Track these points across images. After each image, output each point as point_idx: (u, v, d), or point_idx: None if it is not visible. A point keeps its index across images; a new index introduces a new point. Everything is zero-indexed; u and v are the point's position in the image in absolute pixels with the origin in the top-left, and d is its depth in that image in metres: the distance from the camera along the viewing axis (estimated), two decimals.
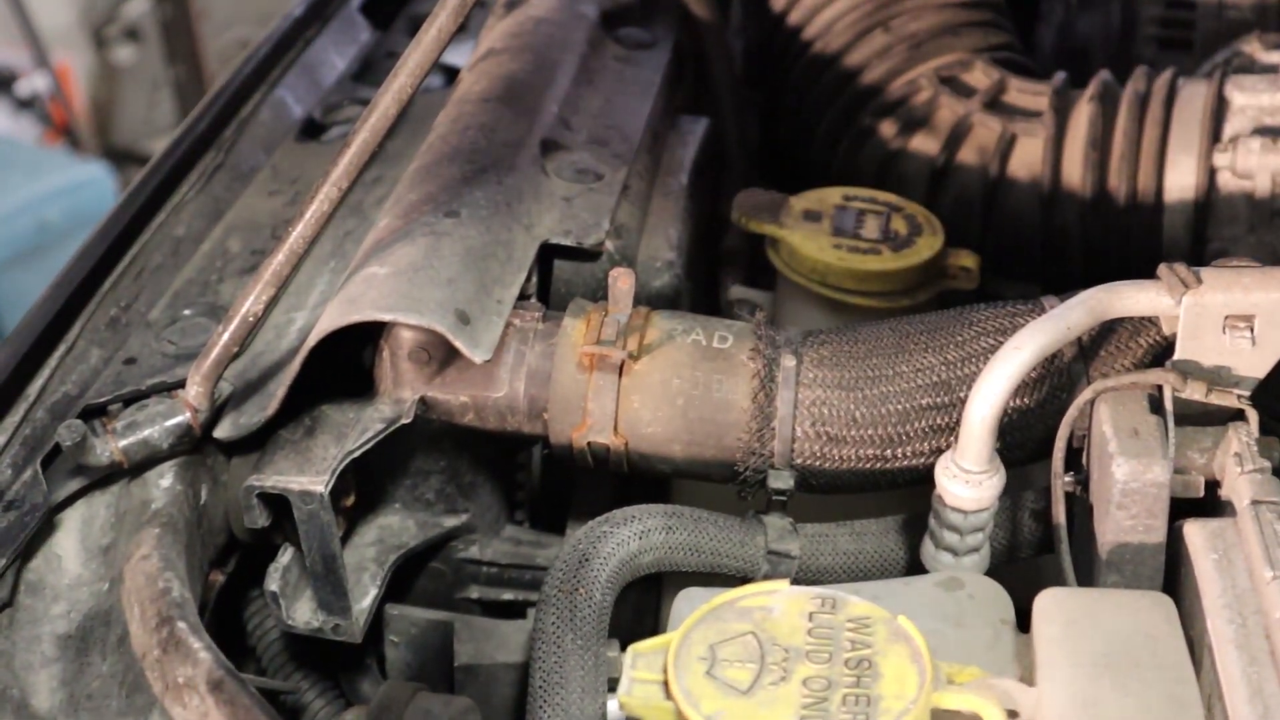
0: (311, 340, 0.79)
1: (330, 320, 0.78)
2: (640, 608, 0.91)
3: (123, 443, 0.79)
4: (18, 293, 3.28)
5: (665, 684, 0.65)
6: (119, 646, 0.74)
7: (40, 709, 0.71)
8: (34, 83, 3.98)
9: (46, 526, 0.79)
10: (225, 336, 0.78)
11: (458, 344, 0.77)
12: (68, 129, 4.02)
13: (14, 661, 0.73)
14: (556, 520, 0.95)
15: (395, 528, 0.88)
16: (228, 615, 0.89)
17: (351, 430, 0.80)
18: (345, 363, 0.87)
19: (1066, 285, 0.85)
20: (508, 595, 0.92)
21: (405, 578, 0.91)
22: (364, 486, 0.86)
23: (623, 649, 0.71)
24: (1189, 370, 0.72)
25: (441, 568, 0.92)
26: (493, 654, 0.87)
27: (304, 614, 0.82)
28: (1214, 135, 1.00)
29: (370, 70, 1.21)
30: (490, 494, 0.92)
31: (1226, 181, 0.99)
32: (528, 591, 0.92)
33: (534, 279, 0.87)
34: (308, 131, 1.11)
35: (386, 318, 0.77)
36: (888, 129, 1.09)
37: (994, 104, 1.08)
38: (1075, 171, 1.03)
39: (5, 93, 3.95)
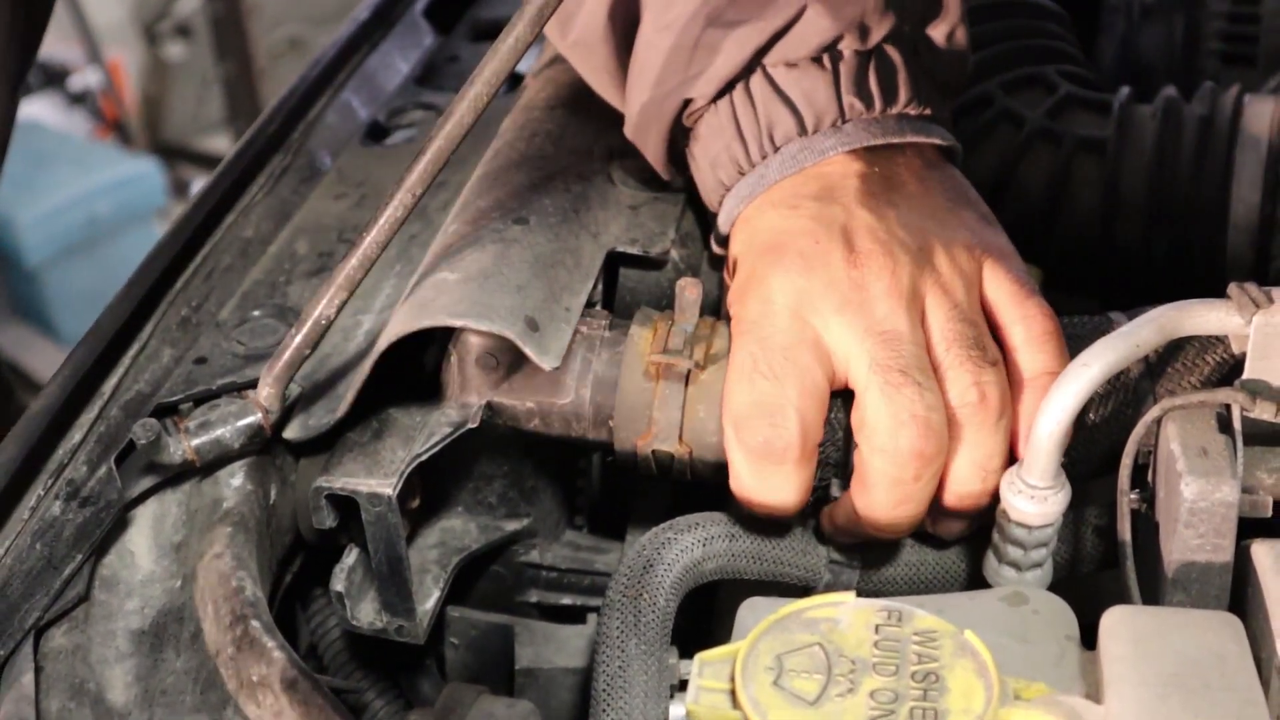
0: (382, 344, 0.80)
1: (401, 325, 0.79)
2: (696, 615, 0.92)
3: (195, 442, 0.80)
4: (67, 286, 3.33)
5: (732, 693, 0.66)
6: (192, 643, 0.75)
7: (116, 703, 0.73)
8: (86, 78, 4.03)
9: (119, 523, 0.80)
10: (298, 339, 0.80)
11: (528, 351, 0.78)
12: (119, 124, 4.07)
13: (90, 655, 0.75)
14: (615, 526, 0.95)
15: (458, 531, 0.89)
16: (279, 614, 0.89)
17: (419, 434, 0.81)
18: (408, 365, 0.87)
19: (1127, 301, 0.86)
20: (567, 600, 0.93)
21: (465, 581, 0.92)
22: (428, 489, 0.87)
23: (680, 656, 0.72)
24: (1258, 390, 0.71)
25: (502, 571, 0.93)
26: (552, 658, 0.88)
27: (368, 614, 0.83)
28: None
29: (433, 74, 1.22)
30: (551, 499, 0.93)
31: None
32: (587, 596, 0.92)
33: (600, 287, 0.88)
34: (372, 135, 1.13)
35: (458, 323, 0.78)
36: None
37: (1057, 117, 1.08)
38: (1138, 187, 1.03)
39: (58, 88, 4.00)
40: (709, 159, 0.85)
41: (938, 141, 0.85)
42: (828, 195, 0.81)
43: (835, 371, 0.77)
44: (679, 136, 0.88)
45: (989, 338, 0.77)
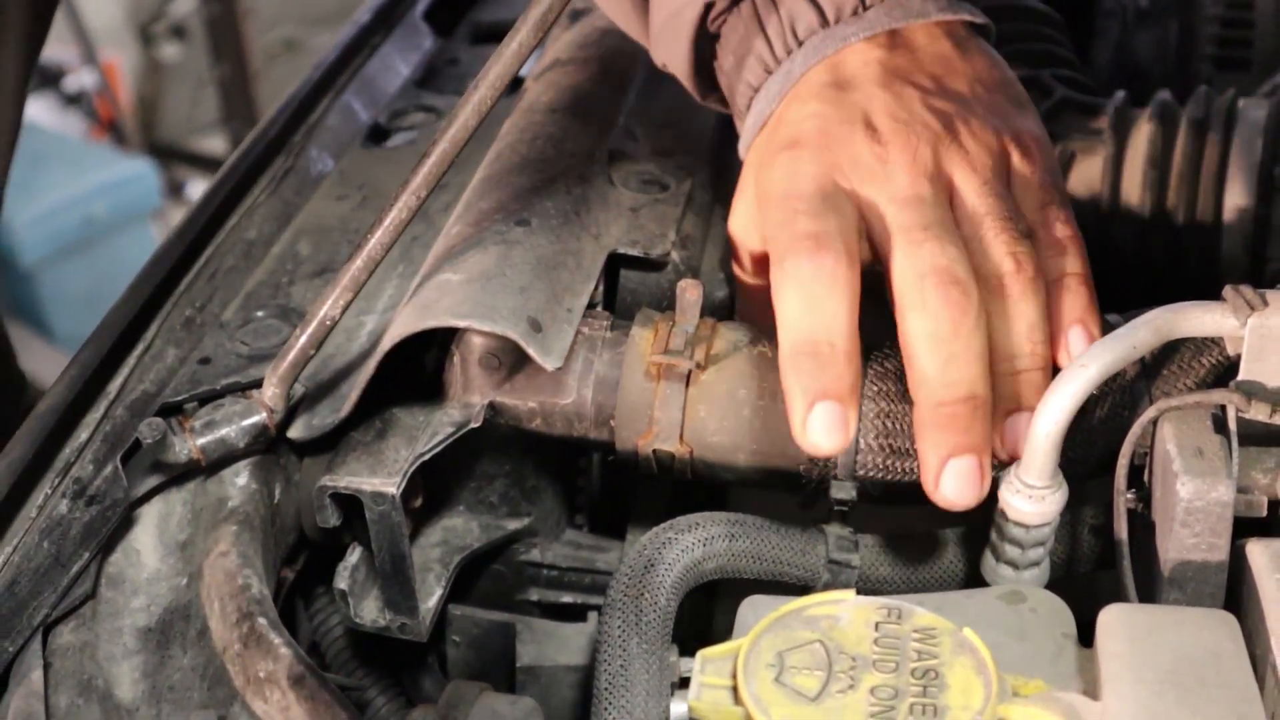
0: (386, 344, 0.81)
1: (405, 325, 0.80)
2: (695, 614, 0.93)
3: (200, 441, 0.81)
4: (62, 286, 3.33)
5: (734, 689, 0.66)
6: (199, 640, 0.76)
7: (124, 699, 0.73)
8: (81, 79, 4.03)
9: (125, 522, 0.81)
10: (303, 339, 0.80)
11: (530, 351, 0.79)
12: (114, 125, 4.07)
13: (98, 652, 0.75)
14: (615, 526, 0.96)
15: (459, 529, 0.90)
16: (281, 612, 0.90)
17: (422, 433, 0.82)
18: (410, 366, 0.88)
19: (1122, 303, 0.86)
20: (567, 598, 0.94)
21: (467, 579, 0.93)
22: (430, 489, 0.87)
23: (681, 654, 0.73)
24: (1253, 391, 0.72)
25: (503, 570, 0.93)
26: (554, 656, 0.89)
27: (371, 612, 0.84)
28: (1274, 155, 1.00)
29: (434, 77, 1.22)
30: (552, 498, 0.94)
31: None
32: (587, 595, 0.93)
33: (601, 288, 0.89)
34: (373, 137, 1.13)
35: (462, 324, 0.79)
36: None
37: (1054, 121, 1.08)
38: (1134, 190, 1.04)
39: (53, 88, 4.00)
40: (736, 61, 0.85)
41: (966, 18, 0.84)
42: (847, 83, 0.80)
43: (862, 237, 0.76)
44: (705, 47, 0.87)
45: (1020, 212, 0.77)
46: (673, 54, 0.88)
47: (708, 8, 0.84)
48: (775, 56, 0.83)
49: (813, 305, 0.73)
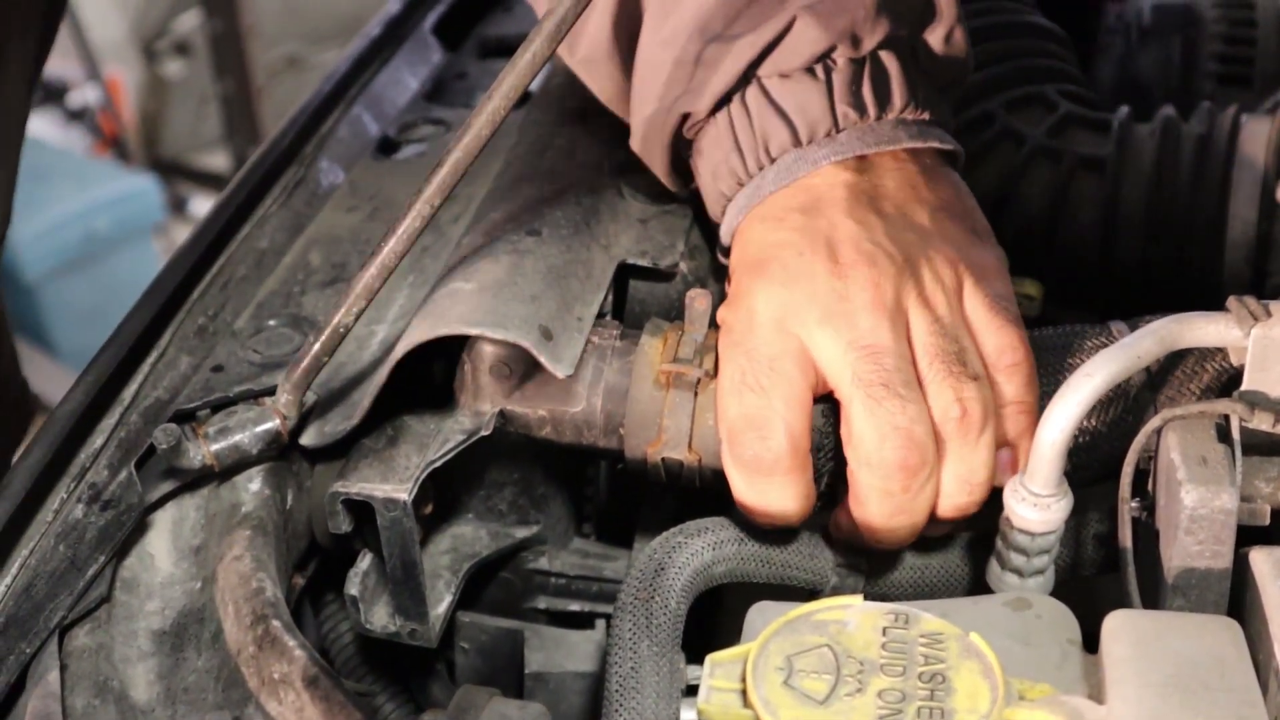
0: (399, 351, 0.82)
1: (418, 333, 0.81)
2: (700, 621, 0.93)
3: (214, 447, 0.82)
4: (65, 301, 3.33)
5: (743, 693, 0.67)
6: (213, 643, 0.77)
7: (139, 700, 0.74)
8: (85, 95, 4.04)
9: (139, 526, 0.82)
10: (316, 347, 0.81)
11: (542, 359, 0.79)
12: (117, 140, 4.08)
13: (113, 655, 0.76)
14: (623, 534, 0.97)
15: (469, 537, 0.90)
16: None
17: (433, 441, 0.82)
18: (419, 376, 0.89)
19: (1126, 314, 0.87)
20: (575, 606, 0.94)
21: (475, 586, 0.93)
22: (440, 496, 0.88)
23: (688, 662, 0.73)
24: (1256, 401, 0.73)
25: (511, 577, 0.94)
26: (562, 663, 0.90)
27: (381, 618, 0.84)
28: (1277, 171, 1.01)
29: (442, 90, 1.23)
30: (560, 506, 0.94)
31: None
32: (594, 603, 0.94)
33: (610, 298, 0.89)
34: (383, 149, 1.14)
35: (474, 332, 0.80)
36: None
37: (1058, 135, 1.09)
38: (1137, 204, 1.05)
39: (57, 104, 4.01)
40: (710, 170, 0.87)
41: (935, 145, 0.86)
42: (813, 207, 0.82)
43: (818, 380, 0.78)
44: (682, 149, 0.90)
45: (972, 352, 0.78)
46: (650, 152, 0.91)
47: (686, 116, 0.87)
48: (748, 171, 0.85)
49: (758, 488, 0.78)
